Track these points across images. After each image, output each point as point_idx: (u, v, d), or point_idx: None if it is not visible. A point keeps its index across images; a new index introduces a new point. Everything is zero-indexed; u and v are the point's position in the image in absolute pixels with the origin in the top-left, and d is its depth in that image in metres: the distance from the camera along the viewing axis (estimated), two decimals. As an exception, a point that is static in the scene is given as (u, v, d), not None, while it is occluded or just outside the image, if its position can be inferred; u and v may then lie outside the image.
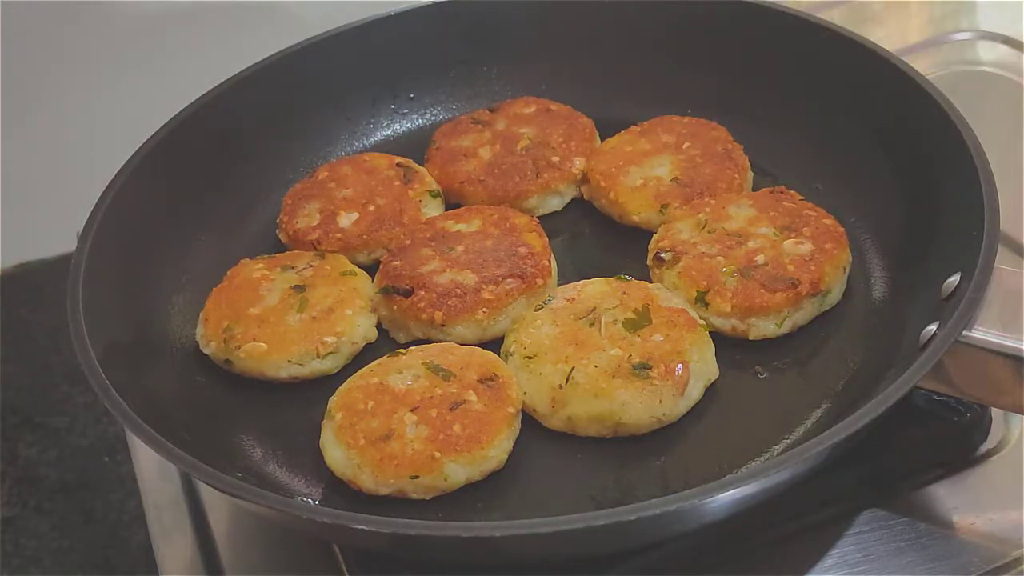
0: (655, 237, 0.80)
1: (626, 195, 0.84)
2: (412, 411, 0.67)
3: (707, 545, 0.67)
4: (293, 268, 0.79)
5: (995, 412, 0.74)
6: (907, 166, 0.80)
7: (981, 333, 0.62)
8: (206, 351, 0.76)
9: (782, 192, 0.82)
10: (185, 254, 0.83)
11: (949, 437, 0.72)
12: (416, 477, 0.65)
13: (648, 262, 0.80)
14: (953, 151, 0.73)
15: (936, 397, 0.71)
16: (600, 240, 0.86)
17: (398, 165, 0.87)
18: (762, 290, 0.72)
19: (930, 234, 0.75)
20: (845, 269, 0.76)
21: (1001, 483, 0.70)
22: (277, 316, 0.74)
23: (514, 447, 0.69)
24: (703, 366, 0.70)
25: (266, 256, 0.81)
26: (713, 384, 0.71)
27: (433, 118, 0.99)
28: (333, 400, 0.70)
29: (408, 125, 0.98)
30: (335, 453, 0.67)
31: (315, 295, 0.76)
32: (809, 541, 0.67)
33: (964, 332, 0.62)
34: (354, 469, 0.66)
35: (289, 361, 0.73)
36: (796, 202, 0.80)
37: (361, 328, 0.75)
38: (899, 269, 0.77)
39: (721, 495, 0.55)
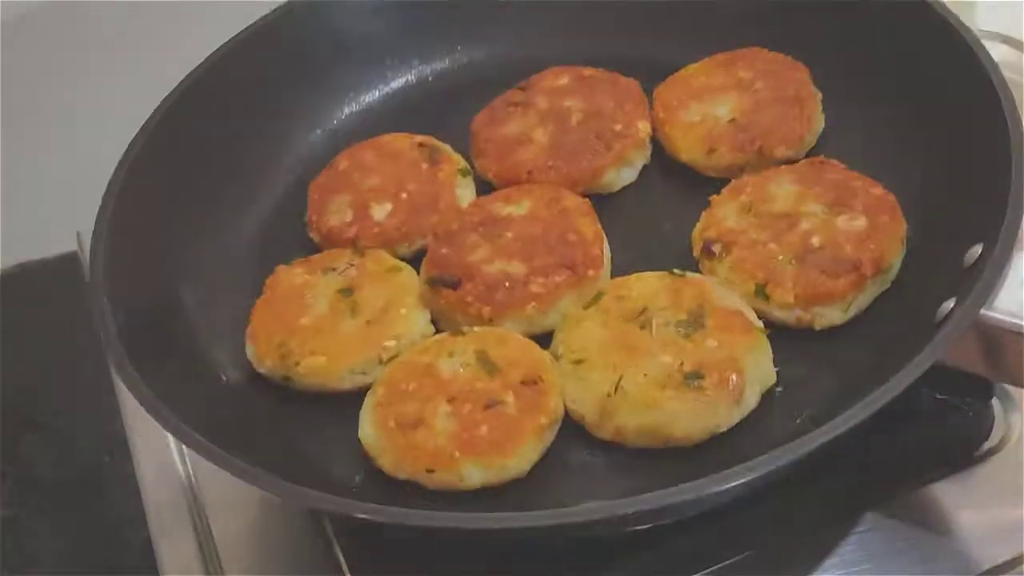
0: (699, 227, 0.79)
1: (680, 132, 0.84)
2: (448, 401, 0.67)
3: (706, 545, 0.67)
4: (334, 270, 0.77)
5: (996, 411, 0.74)
6: (943, 125, 0.76)
7: (999, 312, 0.60)
8: (261, 370, 0.74)
9: (822, 162, 0.80)
10: (204, 218, 0.80)
11: (951, 436, 0.72)
12: (432, 471, 0.66)
13: (695, 254, 0.78)
14: (989, 119, 0.69)
15: (938, 396, 0.72)
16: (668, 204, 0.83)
17: (420, 145, 0.85)
18: (824, 277, 0.71)
19: (961, 200, 0.72)
20: (903, 241, 0.75)
21: (1002, 482, 0.71)
22: (331, 325, 0.73)
23: (554, 453, 0.68)
24: (759, 372, 0.69)
25: (302, 259, 0.80)
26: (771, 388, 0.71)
27: (442, 64, 0.94)
28: (383, 371, 0.72)
29: (414, 77, 0.93)
30: (367, 428, 0.69)
31: (364, 297, 0.75)
32: (810, 541, 0.68)
33: (983, 311, 0.60)
34: (379, 449, 0.68)
35: (352, 371, 0.72)
36: (840, 172, 0.79)
37: (419, 326, 0.75)
38: (926, 234, 0.73)
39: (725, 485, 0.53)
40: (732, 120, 0.84)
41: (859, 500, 0.69)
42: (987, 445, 0.72)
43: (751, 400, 0.69)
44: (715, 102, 0.86)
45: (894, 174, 0.78)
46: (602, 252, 0.79)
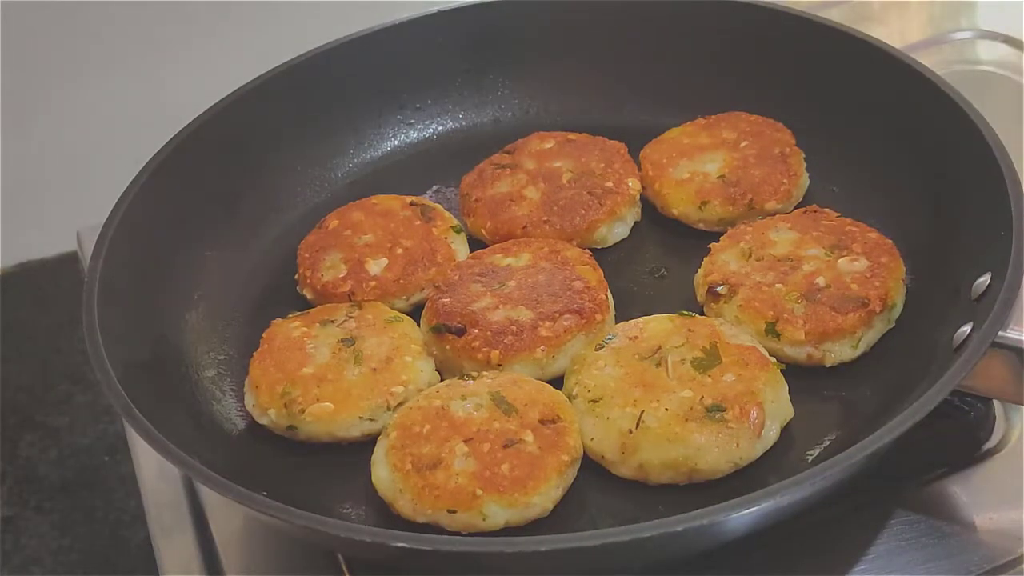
0: (701, 272, 0.75)
1: (670, 187, 0.81)
2: (465, 442, 0.63)
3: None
4: (332, 322, 0.73)
5: (997, 410, 0.70)
6: (926, 167, 0.77)
7: (1016, 332, 0.60)
8: (262, 421, 0.69)
9: (816, 211, 0.78)
10: (196, 270, 0.79)
11: (953, 435, 0.69)
12: (454, 512, 0.61)
13: (700, 298, 0.74)
14: (974, 152, 0.70)
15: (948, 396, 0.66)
16: (663, 263, 0.81)
17: (412, 204, 0.82)
18: (833, 313, 0.68)
19: (955, 235, 0.72)
20: (903, 281, 0.73)
21: (1002, 481, 0.67)
22: (335, 373, 0.69)
23: (571, 495, 0.64)
24: (778, 406, 0.65)
25: (298, 313, 0.76)
26: (788, 423, 0.66)
27: (440, 127, 0.95)
28: (394, 417, 0.67)
29: (415, 135, 0.95)
30: (381, 472, 0.64)
31: (367, 346, 0.71)
32: (808, 540, 0.64)
33: (1000, 332, 0.59)
34: (395, 492, 0.63)
35: (360, 418, 0.68)
36: (834, 219, 0.76)
37: (424, 373, 0.71)
38: (925, 272, 0.73)
39: (734, 516, 0.51)
40: (721, 176, 0.81)
41: (859, 498, 0.65)
42: (988, 445, 0.69)
43: (772, 434, 0.64)
44: (703, 160, 0.83)
45: (882, 223, 0.76)
46: (607, 298, 0.74)
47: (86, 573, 0.78)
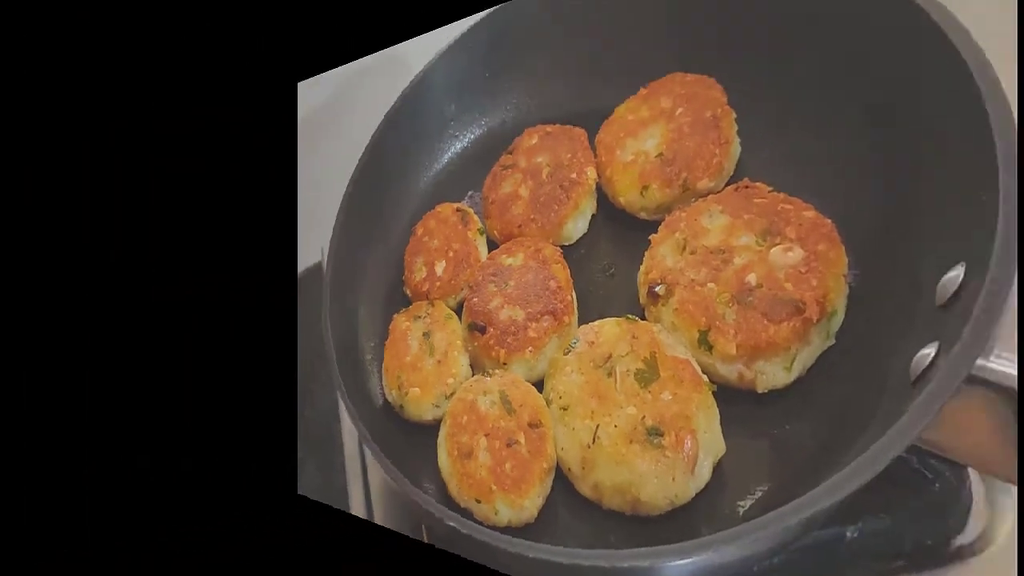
0: (642, 269, 0.60)
1: (618, 172, 0.67)
2: (485, 436, 0.61)
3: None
4: (419, 317, 0.76)
5: (975, 486, 0.41)
6: (879, 109, 0.49)
7: (1003, 361, 0.34)
8: (389, 399, 0.73)
9: (747, 187, 0.57)
10: (361, 274, 0.87)
11: (914, 512, 0.43)
12: (479, 502, 0.60)
13: (641, 300, 0.59)
14: (949, 80, 0.42)
15: (904, 454, 0.38)
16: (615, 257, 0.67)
17: (457, 210, 0.80)
18: (765, 321, 0.51)
19: (916, 205, 0.45)
20: (845, 277, 0.49)
21: None
22: (420, 362, 0.72)
23: (548, 508, 0.56)
24: (711, 438, 0.50)
25: (405, 309, 0.79)
26: (720, 460, 0.50)
27: (472, 134, 0.92)
28: (450, 403, 0.66)
29: (459, 145, 0.93)
30: (442, 455, 0.64)
31: (436, 339, 0.73)
32: None
33: (979, 360, 0.34)
34: (448, 475, 0.62)
35: (431, 404, 0.69)
36: (766, 195, 0.55)
37: (464, 368, 0.70)
38: (875, 263, 0.48)
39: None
40: (660, 155, 0.65)
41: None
42: (961, 541, 0.42)
43: (705, 472, 0.50)
44: (644, 136, 0.68)
45: (826, 196, 0.53)
46: (572, 298, 0.63)
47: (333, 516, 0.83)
